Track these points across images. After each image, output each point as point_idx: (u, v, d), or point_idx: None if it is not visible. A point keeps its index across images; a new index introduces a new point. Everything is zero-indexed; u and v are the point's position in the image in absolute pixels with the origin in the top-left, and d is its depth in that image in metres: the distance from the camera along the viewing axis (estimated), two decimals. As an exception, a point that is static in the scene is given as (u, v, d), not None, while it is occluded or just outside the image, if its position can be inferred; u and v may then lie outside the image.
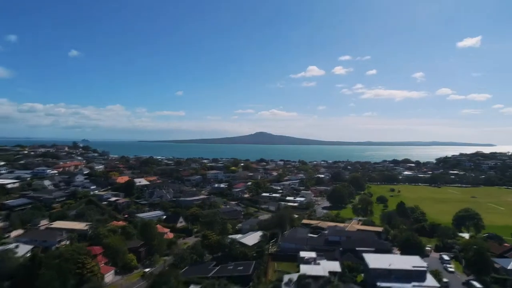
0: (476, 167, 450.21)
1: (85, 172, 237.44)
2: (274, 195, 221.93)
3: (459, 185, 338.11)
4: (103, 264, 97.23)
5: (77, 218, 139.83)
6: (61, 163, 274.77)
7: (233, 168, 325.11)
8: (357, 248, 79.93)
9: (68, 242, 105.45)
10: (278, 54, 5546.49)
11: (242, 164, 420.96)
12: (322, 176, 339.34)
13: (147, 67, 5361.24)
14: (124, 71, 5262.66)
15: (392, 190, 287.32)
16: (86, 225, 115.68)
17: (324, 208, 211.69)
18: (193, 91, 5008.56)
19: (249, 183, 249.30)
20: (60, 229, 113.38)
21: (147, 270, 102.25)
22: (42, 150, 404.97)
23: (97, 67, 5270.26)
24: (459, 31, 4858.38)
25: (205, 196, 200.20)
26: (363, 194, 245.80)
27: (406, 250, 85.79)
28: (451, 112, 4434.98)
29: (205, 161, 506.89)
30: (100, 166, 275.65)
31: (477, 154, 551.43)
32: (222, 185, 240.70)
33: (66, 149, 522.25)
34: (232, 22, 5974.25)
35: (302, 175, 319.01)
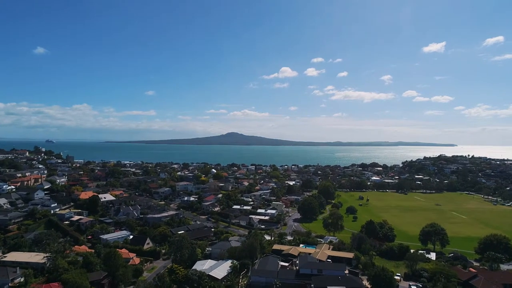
0: (439, 171, 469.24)
1: (45, 187, 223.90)
2: (245, 207, 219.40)
3: (424, 190, 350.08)
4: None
5: (34, 244, 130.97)
6: (19, 175, 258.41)
7: (203, 178, 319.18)
8: (328, 287, 78.80)
9: (22, 280, 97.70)
10: (252, 55, 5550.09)
11: (213, 170, 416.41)
12: (293, 183, 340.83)
13: (117, 67, 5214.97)
14: (93, 70, 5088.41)
15: (361, 198, 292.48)
16: (44, 257, 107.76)
17: (295, 220, 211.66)
18: (165, 91, 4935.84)
19: (220, 195, 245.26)
20: (15, 263, 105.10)
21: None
22: (0, 156, 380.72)
23: (64, 65, 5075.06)
24: (425, 36, 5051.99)
25: (174, 212, 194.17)
26: (332, 206, 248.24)
27: (377, 284, 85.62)
28: (416, 113, 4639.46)
29: (175, 166, 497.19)
30: (63, 179, 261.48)
31: (440, 158, 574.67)
32: (192, 198, 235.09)
33: (27, 154, 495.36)
34: (206, 24, 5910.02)
35: (273, 184, 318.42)
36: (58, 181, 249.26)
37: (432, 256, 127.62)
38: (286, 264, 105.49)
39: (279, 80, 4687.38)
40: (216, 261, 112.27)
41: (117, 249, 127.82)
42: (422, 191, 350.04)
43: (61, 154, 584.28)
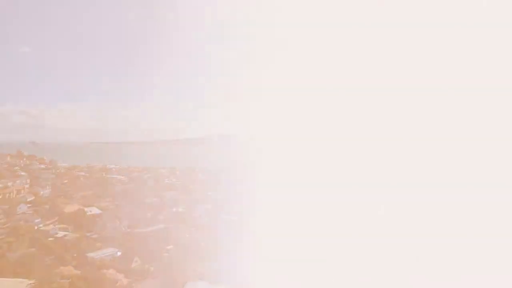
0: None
1: (28, 199, 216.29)
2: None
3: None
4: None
5: (18, 266, 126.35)
6: (1, 186, 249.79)
7: (192, 186, 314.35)
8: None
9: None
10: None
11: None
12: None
13: (106, 66, 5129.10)
14: (81, 69, 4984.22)
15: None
16: (28, 284, 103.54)
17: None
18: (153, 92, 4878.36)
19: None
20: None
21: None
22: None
23: (51, 64, 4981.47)
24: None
25: (163, 225, 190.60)
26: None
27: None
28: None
29: (163, 171, 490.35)
30: (46, 190, 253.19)
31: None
32: (180, 209, 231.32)
33: (8, 159, 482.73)
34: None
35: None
36: (42, 192, 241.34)
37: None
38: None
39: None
40: (208, 284, 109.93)
41: (105, 270, 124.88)
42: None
43: (45, 158, 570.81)
